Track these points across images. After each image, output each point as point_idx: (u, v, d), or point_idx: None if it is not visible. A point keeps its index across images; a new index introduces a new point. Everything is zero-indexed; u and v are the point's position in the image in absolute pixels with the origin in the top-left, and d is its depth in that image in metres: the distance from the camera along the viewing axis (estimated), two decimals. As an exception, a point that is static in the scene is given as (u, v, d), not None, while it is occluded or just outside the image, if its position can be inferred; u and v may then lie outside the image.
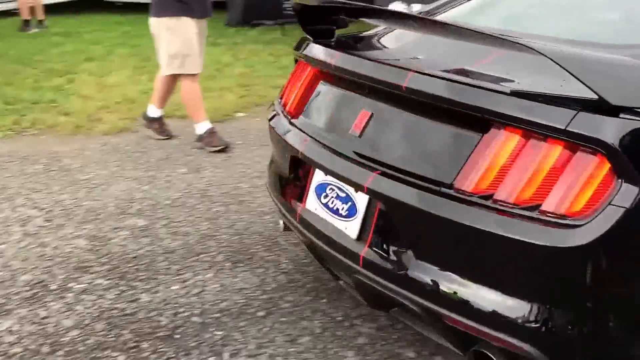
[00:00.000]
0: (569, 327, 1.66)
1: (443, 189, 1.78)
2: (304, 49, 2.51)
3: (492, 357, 1.77)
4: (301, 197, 2.34)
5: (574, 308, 1.66)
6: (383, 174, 1.94)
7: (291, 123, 2.48)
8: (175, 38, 4.28)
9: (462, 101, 1.78)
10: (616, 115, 1.55)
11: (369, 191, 1.97)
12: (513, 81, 1.77)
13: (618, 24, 2.28)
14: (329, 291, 2.73)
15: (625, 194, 1.53)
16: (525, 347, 1.68)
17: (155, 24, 4.37)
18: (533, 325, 1.68)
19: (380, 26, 2.59)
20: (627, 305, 1.64)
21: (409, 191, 1.85)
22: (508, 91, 1.70)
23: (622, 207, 1.53)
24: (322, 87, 2.44)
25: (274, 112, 2.65)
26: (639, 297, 1.65)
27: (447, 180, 1.78)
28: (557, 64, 1.56)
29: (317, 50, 2.42)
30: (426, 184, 1.82)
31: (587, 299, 1.64)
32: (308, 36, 2.52)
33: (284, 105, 2.60)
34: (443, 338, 1.98)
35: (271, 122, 2.64)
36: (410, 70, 1.92)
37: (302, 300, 2.68)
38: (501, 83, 1.77)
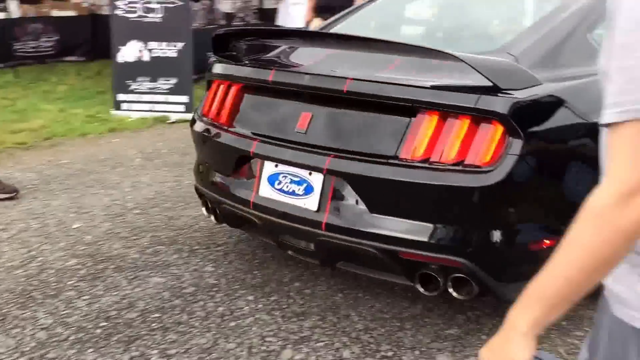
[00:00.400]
0: (488, 242, 2.46)
1: (390, 160, 2.48)
2: (223, 70, 3.06)
3: (435, 275, 2.51)
4: (252, 187, 2.87)
5: (490, 228, 2.45)
6: (338, 156, 2.58)
7: (228, 130, 3.00)
8: None
9: (395, 96, 2.49)
10: (504, 95, 2.38)
11: (328, 171, 2.59)
12: (426, 78, 2.52)
13: (467, 34, 3.18)
14: (95, 340, 2.62)
15: (515, 146, 2.36)
16: (460, 260, 2.44)
17: None
18: (465, 245, 2.45)
19: (283, 45, 3.21)
20: (525, 220, 2.49)
21: (364, 165, 2.52)
22: (429, 85, 2.45)
23: (514, 154, 2.35)
24: (253, 99, 3.01)
25: (205, 127, 3.13)
26: (532, 214, 2.50)
27: (393, 153, 2.48)
28: (468, 64, 2.34)
29: (243, 70, 2.99)
30: (377, 159, 2.51)
31: (498, 220, 2.45)
32: (225, 59, 3.07)
33: (214, 118, 3.10)
34: (392, 274, 2.66)
35: (204, 133, 3.12)
36: (347, 78, 2.59)
37: (66, 354, 2.52)
38: (419, 80, 2.51)
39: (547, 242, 2.52)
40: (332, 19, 3.61)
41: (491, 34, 3.13)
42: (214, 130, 3.08)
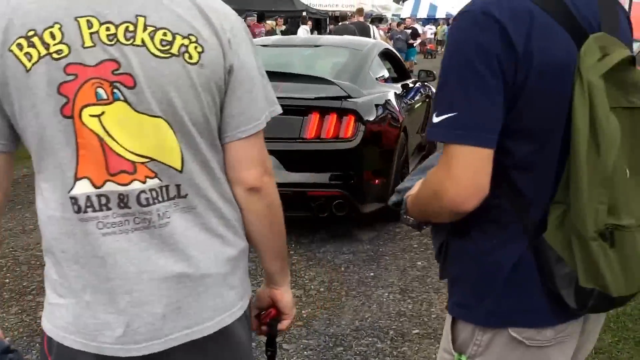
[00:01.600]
0: (354, 180, 4.52)
1: (297, 140, 4.44)
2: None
3: (325, 203, 4.49)
4: None
5: (355, 172, 4.52)
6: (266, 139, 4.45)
7: None
8: None
9: (295, 105, 4.45)
10: (352, 100, 4.50)
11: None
12: (310, 94, 4.53)
13: (329, 69, 5.29)
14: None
15: (360, 126, 4.48)
16: (341, 192, 4.47)
17: None
18: (343, 183, 4.50)
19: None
20: (370, 167, 4.62)
21: (283, 144, 4.43)
22: (313, 97, 4.47)
23: (361, 131, 4.47)
24: None
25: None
26: (373, 163, 4.64)
27: (297, 136, 4.44)
28: (336, 84, 4.42)
29: None
30: (289, 142, 4.44)
31: (358, 167, 4.54)
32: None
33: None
34: (299, 210, 4.57)
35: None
36: None
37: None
38: (305, 95, 4.51)
39: (379, 180, 4.68)
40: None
41: (329, 71, 5.28)
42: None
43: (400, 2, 39.02)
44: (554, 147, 1.25)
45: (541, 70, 1.19)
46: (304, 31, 15.72)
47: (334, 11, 22.86)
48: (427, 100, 6.64)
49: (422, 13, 35.50)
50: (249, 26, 10.34)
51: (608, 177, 1.19)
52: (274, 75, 4.30)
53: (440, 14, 35.06)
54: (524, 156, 1.25)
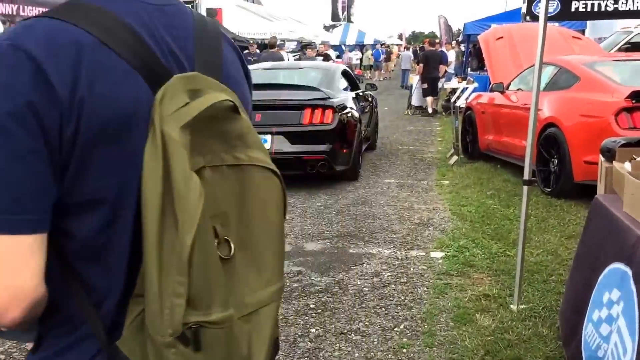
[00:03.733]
0: (332, 149, 7.34)
1: (297, 125, 7.23)
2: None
3: (313, 164, 7.29)
4: None
5: (332, 144, 7.35)
6: (278, 127, 7.21)
7: None
8: None
9: (294, 103, 7.24)
10: (331, 100, 7.32)
11: (275, 132, 7.19)
12: (304, 95, 7.34)
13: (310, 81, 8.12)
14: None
15: (336, 116, 7.31)
16: (324, 157, 7.29)
17: None
18: (325, 150, 7.31)
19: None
20: (333, 142, 7.48)
21: (287, 128, 7.21)
22: (306, 98, 7.27)
23: (336, 119, 7.30)
24: None
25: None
26: (342, 139, 7.50)
27: (297, 122, 7.23)
28: (321, 90, 7.24)
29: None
30: (293, 125, 7.21)
31: (334, 141, 7.37)
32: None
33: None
34: (297, 170, 7.35)
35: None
36: (275, 99, 7.27)
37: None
38: (301, 97, 7.32)
39: (346, 150, 7.50)
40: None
41: (314, 82, 8.08)
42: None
43: (330, 30, 42.31)
44: (126, 224, 0.95)
45: (100, 122, 0.90)
46: None
47: (263, 39, 23.18)
48: (370, 104, 9.73)
49: (351, 39, 38.71)
50: None
51: (185, 262, 0.86)
52: (280, 86, 8.01)
53: (368, 40, 38.44)
54: (89, 238, 0.94)
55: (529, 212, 4.15)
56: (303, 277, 4.56)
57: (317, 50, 18.36)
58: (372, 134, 10.01)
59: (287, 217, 5.48)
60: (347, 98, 8.03)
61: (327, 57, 16.57)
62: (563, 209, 6.23)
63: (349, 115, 7.73)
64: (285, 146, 7.17)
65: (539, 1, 12.38)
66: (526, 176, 3.85)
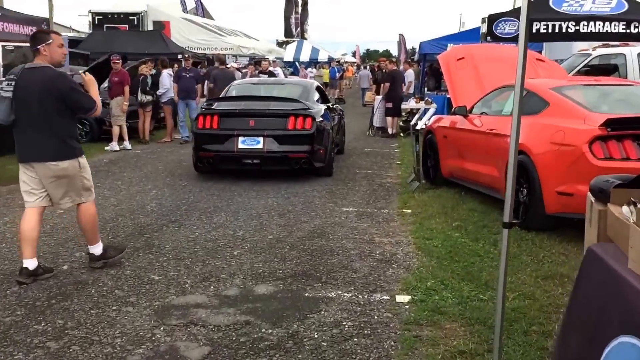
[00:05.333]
0: (312, 149, 9.14)
1: (284, 130, 9.10)
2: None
3: (297, 161, 9.11)
4: (235, 145, 8.98)
5: (312, 145, 9.15)
6: (268, 131, 8.92)
7: (220, 129, 9.14)
8: (88, 173, 5.14)
9: (281, 112, 9.13)
10: (309, 109, 9.18)
11: (266, 135, 8.94)
12: (288, 105, 9.27)
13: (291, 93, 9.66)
14: None
15: (314, 123, 9.16)
16: (306, 155, 9.13)
17: (69, 165, 4.89)
18: (307, 150, 9.12)
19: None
20: (319, 143, 9.29)
21: (276, 132, 9.04)
22: (290, 108, 9.16)
23: (314, 125, 9.15)
24: (231, 119, 9.19)
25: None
26: (319, 142, 9.29)
27: (284, 127, 9.09)
28: (300, 102, 9.38)
29: (222, 105, 9.46)
30: (280, 130, 9.05)
31: (313, 143, 9.16)
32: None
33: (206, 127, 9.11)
34: (285, 165, 9.15)
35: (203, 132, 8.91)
36: (265, 109, 9.13)
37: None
38: (286, 107, 9.21)
39: (322, 151, 9.30)
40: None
41: (295, 95, 9.91)
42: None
43: (284, 46, 41.80)
44: None
45: None
46: (167, 75, 13.98)
47: (213, 54, 23.09)
48: (339, 115, 11.63)
49: (305, 56, 38.43)
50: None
51: None
52: (268, 99, 10.05)
53: (322, 57, 38.10)
54: None
55: (498, 249, 3.65)
56: (252, 328, 4.01)
57: (260, 68, 16.58)
58: (340, 140, 11.77)
59: (236, 253, 4.94)
60: (321, 109, 9.81)
61: (271, 75, 15.66)
62: (535, 244, 5.72)
63: (324, 123, 9.52)
64: (275, 146, 8.97)
65: (501, 22, 12.27)
66: (506, 218, 3.34)
